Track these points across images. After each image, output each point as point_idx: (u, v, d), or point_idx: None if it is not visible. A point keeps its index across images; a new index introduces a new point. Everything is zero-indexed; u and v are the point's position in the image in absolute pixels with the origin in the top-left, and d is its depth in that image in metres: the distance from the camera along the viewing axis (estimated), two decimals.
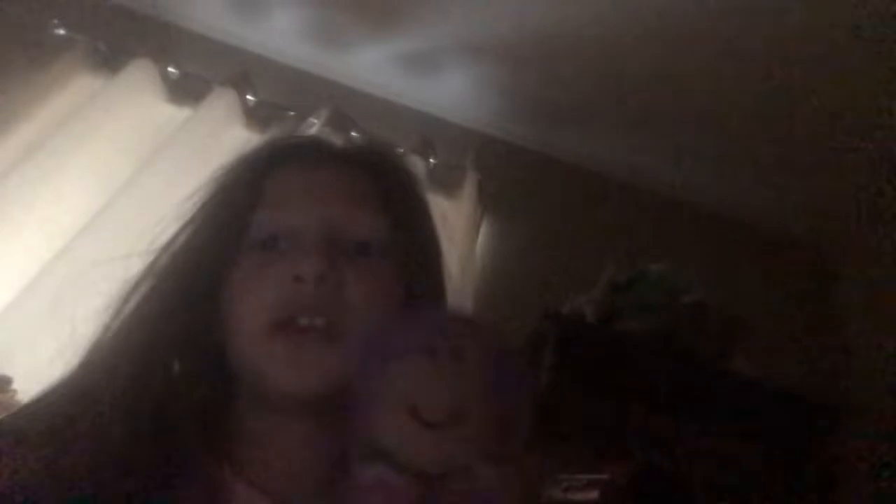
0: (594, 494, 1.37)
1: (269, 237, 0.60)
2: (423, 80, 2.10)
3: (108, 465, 0.50)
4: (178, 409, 0.55)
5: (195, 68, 1.95)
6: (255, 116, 1.96)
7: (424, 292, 0.66)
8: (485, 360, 0.46)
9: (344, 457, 0.54)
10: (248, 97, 1.95)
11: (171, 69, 1.93)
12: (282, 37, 2.07)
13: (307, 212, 0.61)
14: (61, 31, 1.87)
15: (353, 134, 1.90)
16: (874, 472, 1.69)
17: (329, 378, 0.55)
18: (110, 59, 1.90)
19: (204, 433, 0.56)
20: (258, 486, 0.56)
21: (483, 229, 2.00)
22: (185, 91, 1.93)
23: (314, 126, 1.89)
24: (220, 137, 1.85)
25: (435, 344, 0.46)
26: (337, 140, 0.75)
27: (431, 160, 1.99)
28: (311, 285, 0.56)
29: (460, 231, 1.80)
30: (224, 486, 0.55)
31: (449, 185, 1.99)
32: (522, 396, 0.48)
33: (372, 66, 2.09)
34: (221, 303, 0.59)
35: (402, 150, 1.88)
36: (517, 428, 0.46)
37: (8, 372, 1.29)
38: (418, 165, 1.91)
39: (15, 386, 1.28)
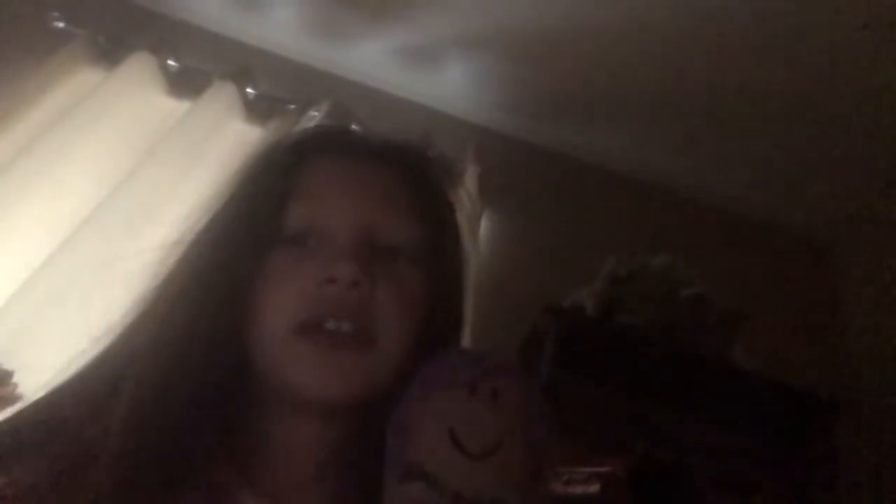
0: (595, 487, 1.37)
1: (300, 233, 0.59)
2: (424, 73, 2.09)
3: (116, 467, 0.49)
4: (192, 410, 0.54)
5: (195, 61, 1.95)
6: (255, 110, 1.95)
7: (448, 299, 0.65)
8: (519, 402, 0.51)
9: (360, 463, 0.54)
10: (248, 90, 1.95)
11: (170, 62, 1.92)
12: (282, 30, 2.06)
13: (342, 211, 0.59)
14: (60, 25, 1.86)
15: (354, 127, 1.90)
16: (875, 467, 1.69)
17: (354, 384, 0.55)
18: (110, 53, 1.89)
19: (215, 437, 0.56)
20: (265, 492, 0.55)
21: (484, 223, 1.99)
22: (185, 84, 1.92)
23: (315, 119, 1.89)
24: (221, 131, 1.84)
25: (476, 382, 0.50)
26: (372, 135, 0.73)
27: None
28: (342, 289, 0.55)
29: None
30: (229, 493, 0.55)
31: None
32: (549, 442, 0.53)
33: (372, 59, 2.08)
34: (247, 299, 0.57)
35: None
36: (545, 467, 0.51)
37: (9, 365, 1.29)
38: None
39: (16, 379, 1.28)
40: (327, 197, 0.61)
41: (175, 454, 0.52)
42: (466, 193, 1.85)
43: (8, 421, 0.55)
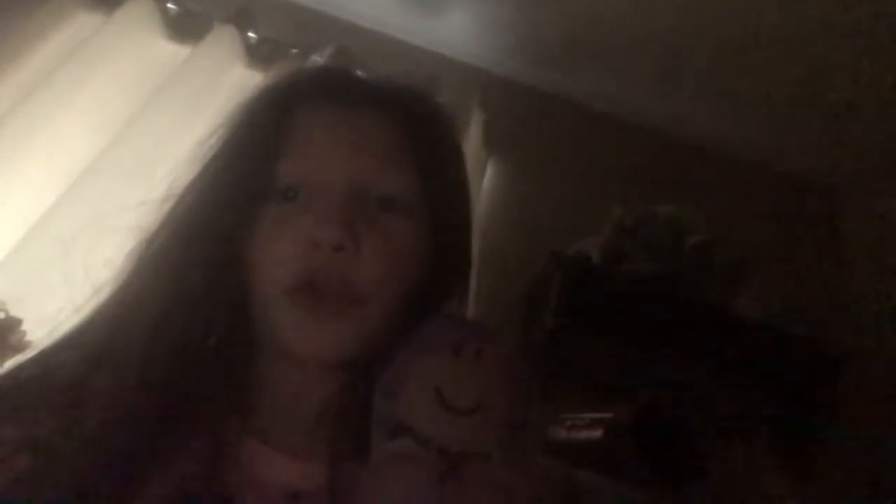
0: (598, 433, 1.39)
1: (290, 189, 0.58)
2: (429, 18, 2.05)
3: (122, 418, 0.50)
4: (195, 360, 0.54)
5: (195, 5, 1.90)
6: (257, 54, 1.92)
7: (450, 251, 0.64)
8: (502, 365, 0.53)
9: (356, 415, 0.55)
10: (250, 34, 1.91)
11: (170, 5, 1.88)
12: None
13: (332, 166, 0.58)
14: None
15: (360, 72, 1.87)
16: (878, 415, 1.71)
17: (343, 345, 0.55)
18: None
19: (219, 385, 0.56)
20: (268, 441, 0.56)
21: (489, 170, 1.98)
22: (186, 28, 1.88)
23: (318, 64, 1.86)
24: (222, 76, 1.82)
25: (460, 344, 0.52)
26: (371, 78, 0.69)
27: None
28: (327, 252, 0.54)
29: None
30: (234, 440, 0.55)
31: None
32: (532, 400, 0.54)
33: (377, 3, 2.04)
34: (242, 254, 0.57)
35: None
36: (527, 426, 0.53)
37: (17, 313, 1.30)
38: None
39: (24, 327, 1.30)
40: (317, 151, 0.59)
41: (177, 401, 0.52)
42: (471, 140, 1.83)
43: (11, 375, 0.56)
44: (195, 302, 0.56)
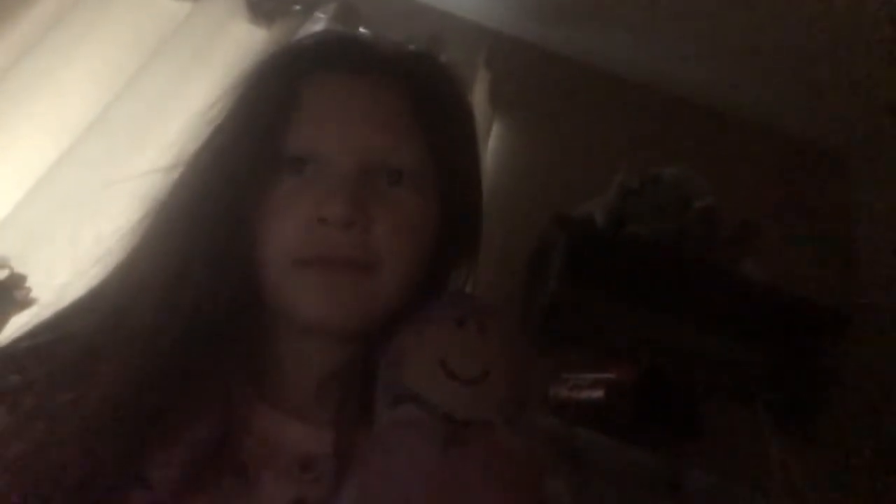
0: (599, 393, 1.41)
1: (299, 160, 0.57)
2: None
3: (134, 386, 0.50)
4: (206, 327, 0.54)
5: None
6: (259, 10, 1.88)
7: (460, 222, 0.64)
8: (504, 336, 0.55)
9: (362, 383, 0.56)
10: None
11: None
12: None
13: (341, 139, 0.57)
14: None
15: (362, 30, 1.85)
16: (879, 379, 1.72)
17: (353, 309, 0.56)
18: None
19: (230, 353, 0.56)
20: (280, 407, 0.57)
21: (494, 130, 1.96)
22: None
23: (321, 21, 1.83)
24: (224, 32, 1.79)
25: (464, 317, 0.54)
26: (381, 45, 0.68)
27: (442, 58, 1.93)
28: (336, 228, 0.54)
29: None
30: (246, 406, 0.56)
31: None
32: (531, 371, 0.57)
33: None
34: (251, 224, 0.57)
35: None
36: (528, 394, 0.55)
37: (21, 270, 1.31)
38: None
39: (29, 283, 1.30)
40: (327, 123, 0.58)
41: (189, 368, 0.52)
42: (476, 100, 1.81)
43: (26, 340, 0.56)
44: (205, 270, 0.55)
